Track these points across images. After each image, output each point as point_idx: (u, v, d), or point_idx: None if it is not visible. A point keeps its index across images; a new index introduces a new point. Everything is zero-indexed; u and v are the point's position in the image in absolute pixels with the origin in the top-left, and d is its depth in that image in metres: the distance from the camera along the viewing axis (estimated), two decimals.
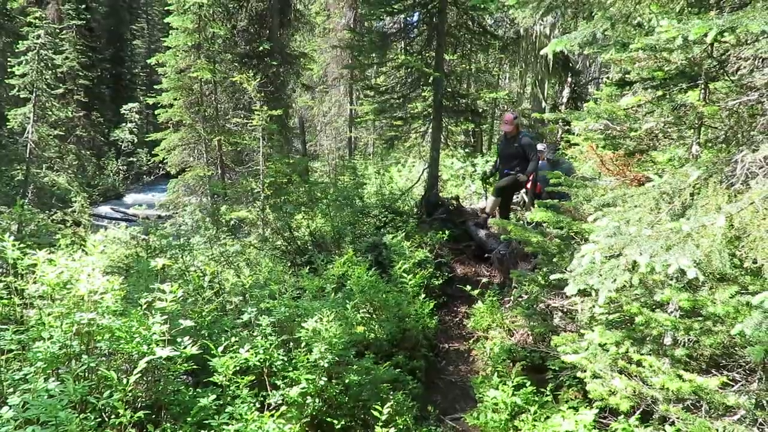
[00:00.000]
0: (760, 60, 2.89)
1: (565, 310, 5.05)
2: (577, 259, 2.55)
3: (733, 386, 3.04)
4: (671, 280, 2.86)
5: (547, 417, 3.25)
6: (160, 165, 21.01)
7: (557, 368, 3.96)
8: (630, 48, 3.39)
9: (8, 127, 16.95)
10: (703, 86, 3.10)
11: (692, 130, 3.17)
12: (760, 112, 2.78)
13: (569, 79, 14.35)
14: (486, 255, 7.03)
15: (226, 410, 2.45)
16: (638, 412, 3.16)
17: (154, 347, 2.58)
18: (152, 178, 30.25)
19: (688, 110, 3.06)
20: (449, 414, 4.22)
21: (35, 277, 2.64)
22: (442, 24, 8.21)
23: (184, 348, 2.77)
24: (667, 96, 3.13)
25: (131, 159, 30.55)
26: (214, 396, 2.55)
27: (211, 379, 2.89)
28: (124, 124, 31.18)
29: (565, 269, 2.84)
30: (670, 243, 2.24)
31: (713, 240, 2.18)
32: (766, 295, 1.83)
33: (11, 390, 2.42)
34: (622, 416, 3.01)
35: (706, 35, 2.10)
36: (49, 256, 2.61)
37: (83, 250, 7.28)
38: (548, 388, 3.64)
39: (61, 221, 12.11)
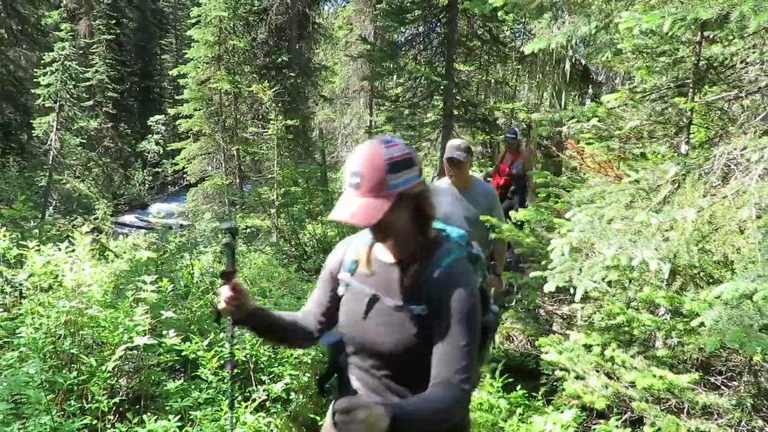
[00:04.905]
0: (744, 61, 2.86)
1: (564, 316, 5.00)
2: (552, 254, 2.54)
3: (725, 390, 2.97)
4: (654, 278, 2.83)
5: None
6: (183, 175, 21.44)
7: (549, 372, 3.90)
8: (620, 49, 3.41)
9: (33, 134, 17.55)
10: (691, 86, 3.07)
11: (680, 130, 3.14)
12: (744, 109, 2.75)
13: (590, 91, 14.21)
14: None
15: (191, 395, 2.49)
16: (626, 415, 3.11)
17: (134, 336, 2.64)
18: (176, 188, 30.84)
19: (673, 109, 3.03)
20: None
21: (25, 267, 2.73)
22: (452, 33, 8.29)
23: (168, 339, 2.83)
24: (654, 95, 3.11)
25: (157, 170, 31.19)
26: (180, 381, 2.59)
27: (197, 373, 2.95)
28: (150, 136, 31.91)
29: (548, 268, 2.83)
30: (639, 237, 2.23)
31: (682, 233, 2.16)
32: (726, 288, 1.80)
33: None
34: (612, 419, 2.97)
35: (675, 28, 2.11)
36: (36, 246, 2.71)
37: (103, 255, 7.49)
38: (540, 393, 3.60)
39: (82, 227, 12.40)
